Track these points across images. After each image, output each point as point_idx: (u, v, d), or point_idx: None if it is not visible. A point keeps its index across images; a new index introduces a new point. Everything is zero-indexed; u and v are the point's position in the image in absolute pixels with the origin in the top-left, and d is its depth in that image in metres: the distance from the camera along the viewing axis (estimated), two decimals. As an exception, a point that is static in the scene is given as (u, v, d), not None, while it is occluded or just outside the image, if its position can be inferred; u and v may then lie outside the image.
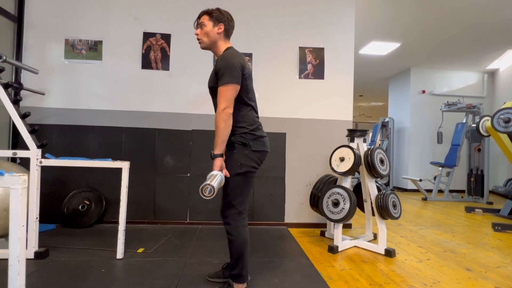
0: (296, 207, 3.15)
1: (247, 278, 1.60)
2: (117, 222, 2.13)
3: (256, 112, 1.65)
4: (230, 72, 1.47)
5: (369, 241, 2.55)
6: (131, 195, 2.89)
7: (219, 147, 1.45)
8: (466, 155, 5.48)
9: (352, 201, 2.33)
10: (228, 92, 1.46)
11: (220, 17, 1.61)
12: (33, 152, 2.00)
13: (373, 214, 2.52)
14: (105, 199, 2.92)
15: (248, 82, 1.59)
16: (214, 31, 1.60)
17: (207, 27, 1.59)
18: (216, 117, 1.46)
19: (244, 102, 1.57)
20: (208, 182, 1.34)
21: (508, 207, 3.88)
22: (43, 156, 2.05)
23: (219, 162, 1.45)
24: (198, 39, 1.62)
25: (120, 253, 2.07)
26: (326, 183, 2.73)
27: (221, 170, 1.46)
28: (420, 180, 5.35)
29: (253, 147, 1.54)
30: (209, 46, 1.62)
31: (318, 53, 3.20)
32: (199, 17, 1.63)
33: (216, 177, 1.39)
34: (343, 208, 2.33)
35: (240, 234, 1.53)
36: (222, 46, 1.62)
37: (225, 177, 1.51)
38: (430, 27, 4.58)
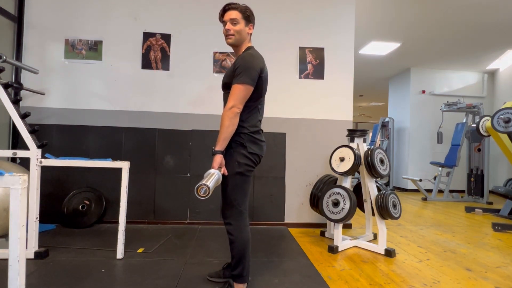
0: (296, 207, 3.15)
1: (248, 279, 1.59)
2: (117, 222, 2.13)
3: (261, 115, 1.64)
4: (248, 73, 1.44)
5: (369, 241, 2.55)
6: (131, 195, 2.89)
7: (221, 144, 1.44)
8: (466, 155, 5.48)
9: (352, 201, 2.33)
10: (241, 92, 1.44)
11: (251, 17, 1.59)
12: (33, 152, 2.00)
13: (373, 214, 2.52)
14: (105, 199, 2.92)
15: (264, 85, 1.57)
16: (246, 30, 1.57)
17: (240, 25, 1.54)
18: (222, 114, 1.45)
19: (253, 104, 1.56)
20: (203, 182, 1.29)
21: (508, 207, 3.88)
22: (43, 156, 2.05)
23: (219, 158, 1.44)
24: (229, 34, 1.55)
25: (120, 253, 2.07)
26: (326, 183, 2.73)
27: (220, 167, 1.44)
28: (420, 180, 5.35)
29: (249, 149, 1.52)
30: (237, 44, 1.58)
31: (318, 53, 3.20)
32: (227, 10, 1.56)
33: (213, 176, 1.36)
34: (343, 208, 2.33)
35: (242, 234, 1.52)
36: (246, 46, 1.60)
37: (225, 176, 1.49)
38: (430, 27, 4.58)
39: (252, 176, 1.62)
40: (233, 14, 1.54)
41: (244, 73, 1.44)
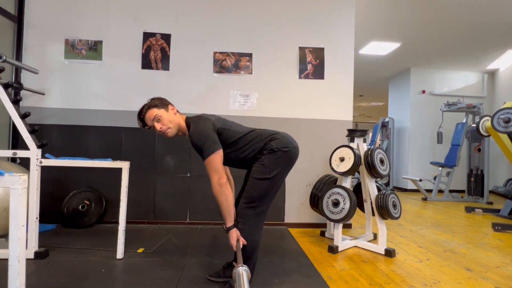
0: (296, 207, 3.15)
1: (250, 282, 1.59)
2: (117, 222, 2.13)
3: (258, 129, 1.67)
4: (207, 143, 1.46)
5: (369, 241, 2.55)
6: (131, 195, 2.87)
7: (229, 219, 1.47)
8: (466, 155, 5.48)
9: (352, 201, 2.33)
10: (214, 163, 1.45)
11: (163, 101, 1.63)
12: (33, 152, 2.00)
13: (373, 214, 2.52)
14: (105, 199, 2.92)
15: (228, 127, 1.59)
16: (171, 114, 1.61)
17: (164, 115, 1.58)
18: (213, 192, 1.46)
19: (243, 135, 1.59)
20: None
21: (508, 207, 3.88)
22: (43, 156, 2.05)
23: (234, 233, 1.46)
24: (165, 131, 1.58)
25: (120, 253, 2.07)
26: (326, 183, 2.73)
27: (238, 240, 1.46)
28: (420, 180, 5.35)
29: (283, 149, 1.54)
30: (177, 129, 1.62)
31: (318, 53, 3.20)
32: (143, 117, 1.60)
33: (244, 279, 1.22)
34: (343, 208, 2.33)
35: (254, 236, 1.52)
36: (183, 122, 1.63)
37: (252, 180, 1.51)
38: (430, 27, 4.58)
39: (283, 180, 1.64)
40: (151, 114, 1.58)
41: (205, 146, 1.46)
